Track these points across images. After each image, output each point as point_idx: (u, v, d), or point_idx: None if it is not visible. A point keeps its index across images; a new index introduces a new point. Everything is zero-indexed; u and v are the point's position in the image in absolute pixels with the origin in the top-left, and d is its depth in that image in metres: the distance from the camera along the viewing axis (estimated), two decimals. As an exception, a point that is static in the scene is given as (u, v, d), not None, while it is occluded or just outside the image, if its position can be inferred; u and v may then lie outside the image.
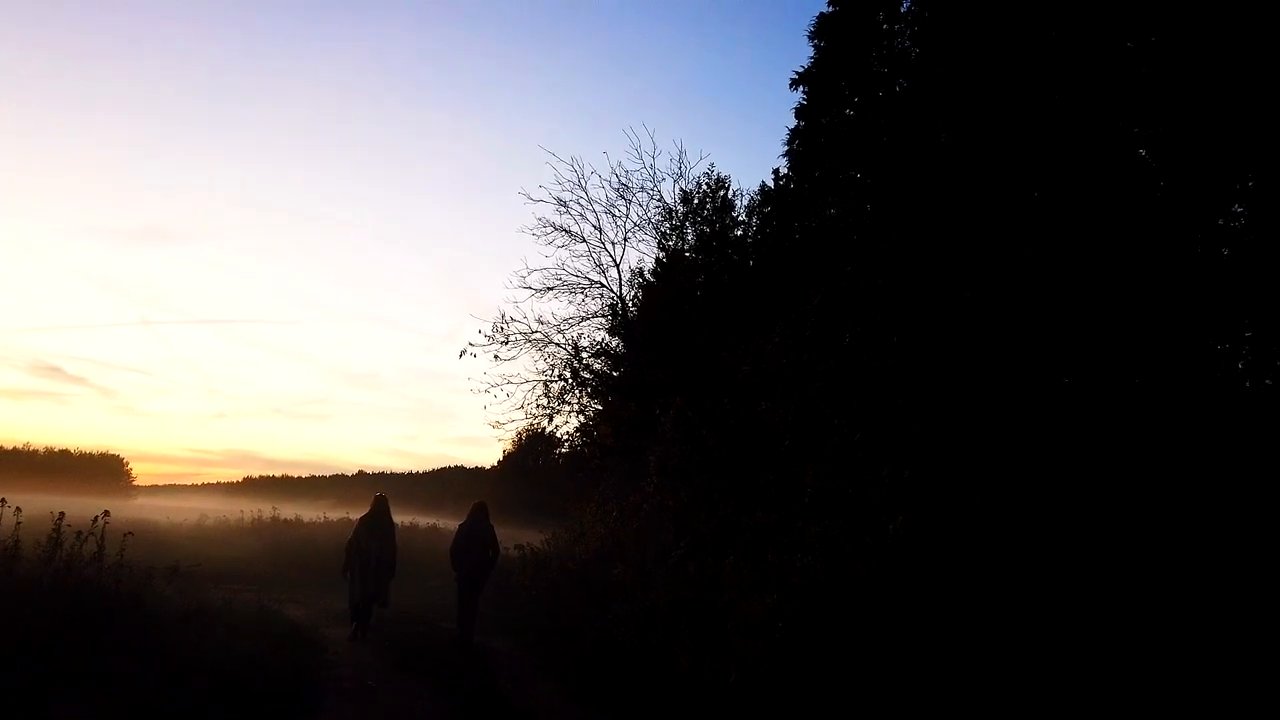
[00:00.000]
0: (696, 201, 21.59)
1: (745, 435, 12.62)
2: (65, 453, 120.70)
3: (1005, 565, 5.28)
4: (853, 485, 6.17)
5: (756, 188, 21.03)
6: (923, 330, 5.98)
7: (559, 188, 19.56)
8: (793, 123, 18.78)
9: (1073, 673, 5.12)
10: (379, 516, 11.66)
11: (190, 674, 6.92)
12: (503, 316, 18.66)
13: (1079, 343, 6.57)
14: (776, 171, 19.80)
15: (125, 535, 9.20)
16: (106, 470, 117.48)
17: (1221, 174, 7.76)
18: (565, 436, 20.54)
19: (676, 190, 21.55)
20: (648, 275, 21.43)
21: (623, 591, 9.69)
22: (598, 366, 20.12)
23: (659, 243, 20.97)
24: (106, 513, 9.31)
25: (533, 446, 73.14)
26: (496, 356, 18.59)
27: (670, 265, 20.80)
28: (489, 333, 18.38)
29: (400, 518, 40.76)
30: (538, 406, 19.22)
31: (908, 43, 16.67)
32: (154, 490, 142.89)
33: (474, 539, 11.45)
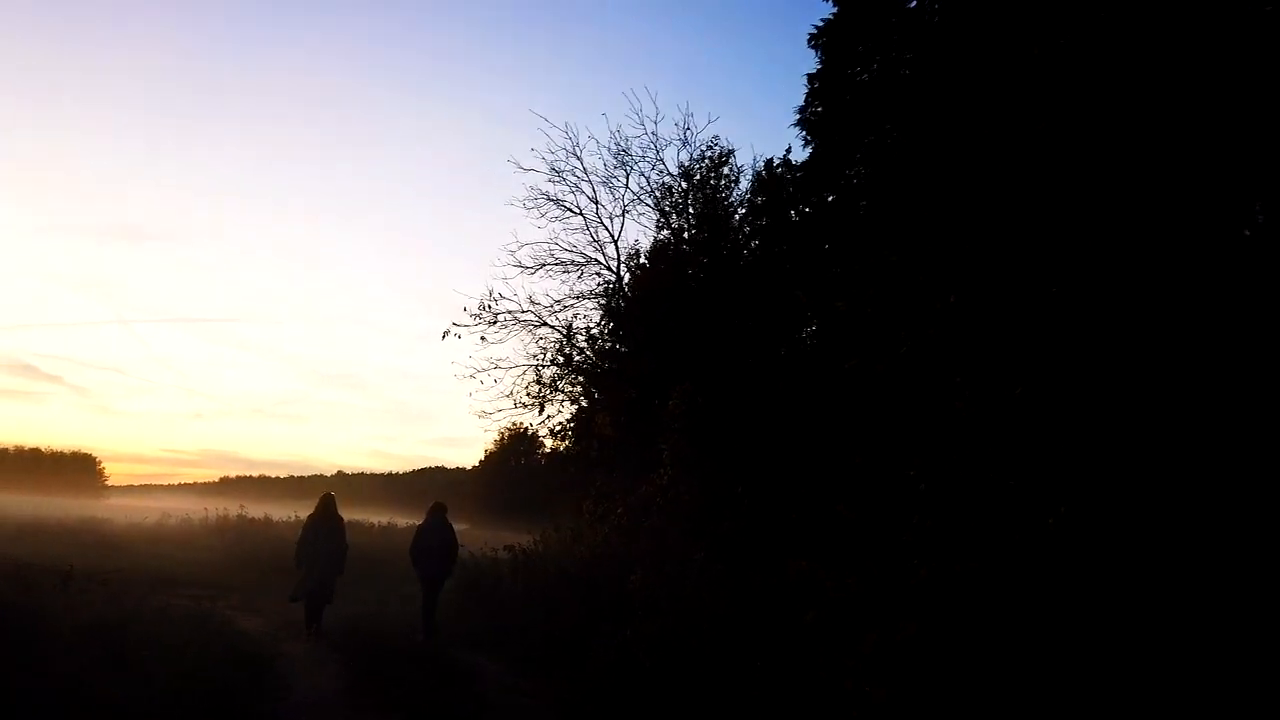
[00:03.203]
0: (698, 178, 19.83)
1: (772, 419, 11.01)
2: (36, 452, 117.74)
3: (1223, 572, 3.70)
4: (979, 467, 4.53)
5: (764, 161, 19.31)
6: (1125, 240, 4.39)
7: (552, 156, 17.67)
8: (803, 92, 17.25)
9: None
10: (327, 515, 11.64)
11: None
12: (490, 293, 16.85)
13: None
14: (770, 162, 18.21)
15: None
16: (78, 470, 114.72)
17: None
18: (558, 427, 18.61)
19: (680, 159, 19.69)
20: (644, 257, 19.71)
21: (642, 602, 7.99)
22: (593, 351, 18.36)
23: (658, 221, 19.22)
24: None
25: (515, 446, 71.68)
26: (483, 338, 16.79)
27: (664, 248, 19.09)
28: (475, 311, 16.58)
29: (379, 518, 39.10)
30: (527, 394, 17.43)
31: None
32: (129, 491, 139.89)
33: (434, 538, 11.85)
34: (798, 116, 17.17)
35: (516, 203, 17.57)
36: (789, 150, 18.19)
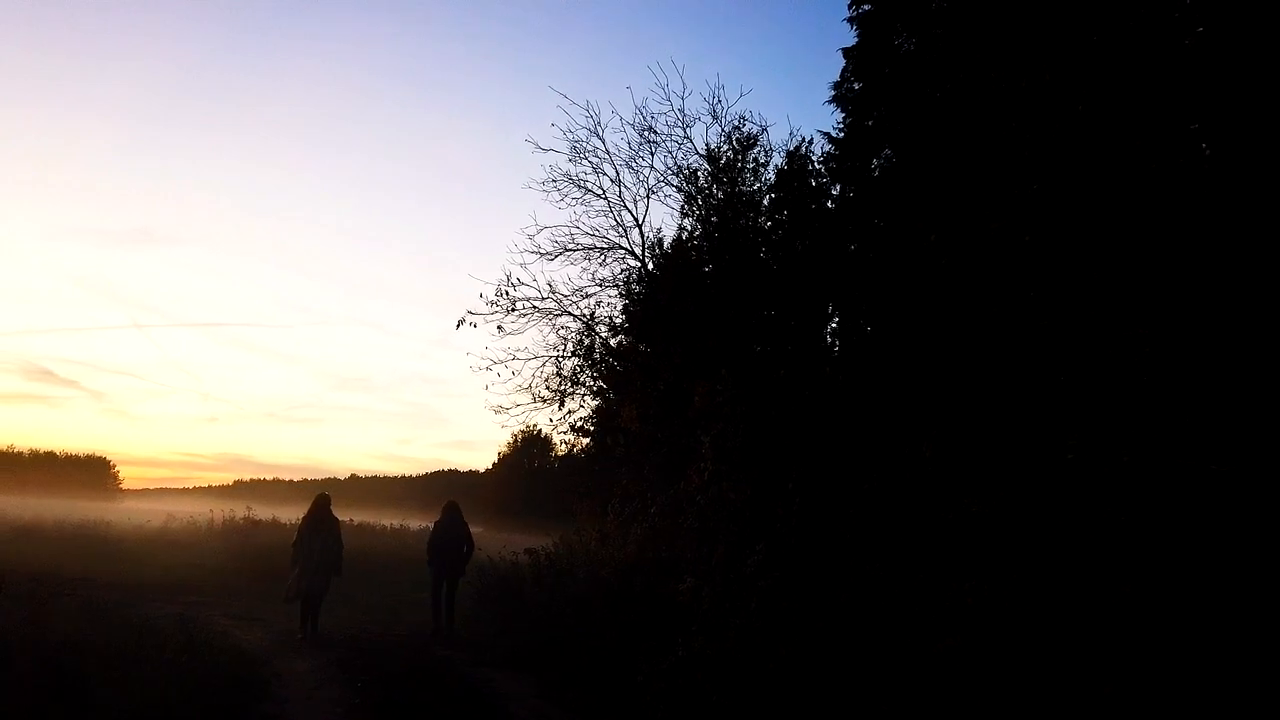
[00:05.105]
0: (724, 162, 18.63)
1: (824, 408, 9.91)
2: (51, 455, 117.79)
3: None
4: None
5: (787, 153, 18.15)
6: None
7: (573, 135, 16.51)
8: (838, 69, 16.39)
9: None
10: (321, 515, 11.51)
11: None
12: (508, 279, 15.65)
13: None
14: (795, 151, 17.13)
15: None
16: (93, 473, 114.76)
17: None
18: (579, 422, 17.48)
19: (709, 136, 18.46)
20: (669, 244, 18.57)
21: (698, 616, 6.89)
22: (617, 341, 17.24)
23: (682, 207, 18.02)
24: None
25: (528, 449, 70.80)
26: (500, 328, 15.65)
27: (686, 237, 17.98)
28: (492, 298, 15.44)
29: (392, 520, 38.20)
30: (547, 386, 16.31)
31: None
32: (144, 494, 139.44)
33: (450, 535, 12.23)
34: (833, 93, 16.18)
35: (535, 184, 16.46)
36: (811, 141, 17.13)
